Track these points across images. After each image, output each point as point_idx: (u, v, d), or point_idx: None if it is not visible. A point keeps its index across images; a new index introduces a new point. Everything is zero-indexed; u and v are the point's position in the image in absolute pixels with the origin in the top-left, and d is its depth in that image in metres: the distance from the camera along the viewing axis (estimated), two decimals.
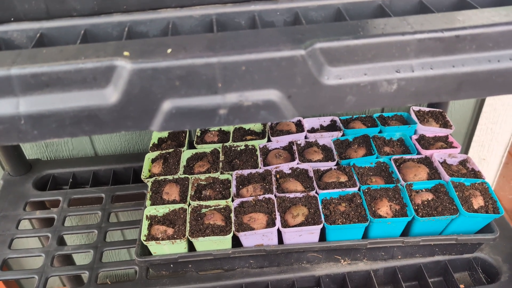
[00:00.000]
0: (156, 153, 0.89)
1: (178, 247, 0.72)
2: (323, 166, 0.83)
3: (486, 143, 1.24)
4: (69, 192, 0.97)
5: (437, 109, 0.96)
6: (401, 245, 0.74)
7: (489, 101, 1.13)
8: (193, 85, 0.34)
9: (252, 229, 0.71)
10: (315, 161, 0.84)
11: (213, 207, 0.76)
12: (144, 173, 0.85)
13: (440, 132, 0.90)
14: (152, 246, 0.72)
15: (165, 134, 0.96)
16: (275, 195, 0.77)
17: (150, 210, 0.76)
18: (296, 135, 0.90)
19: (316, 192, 0.77)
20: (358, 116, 0.96)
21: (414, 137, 0.89)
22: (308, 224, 0.72)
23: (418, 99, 0.37)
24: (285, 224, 0.73)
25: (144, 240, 0.71)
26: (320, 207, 0.74)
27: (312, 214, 0.73)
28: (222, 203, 0.76)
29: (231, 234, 0.70)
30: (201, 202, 0.76)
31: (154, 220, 0.76)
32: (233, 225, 0.72)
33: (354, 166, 0.82)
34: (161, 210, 0.76)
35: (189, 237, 0.70)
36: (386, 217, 0.72)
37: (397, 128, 0.91)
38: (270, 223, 0.72)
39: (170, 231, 0.72)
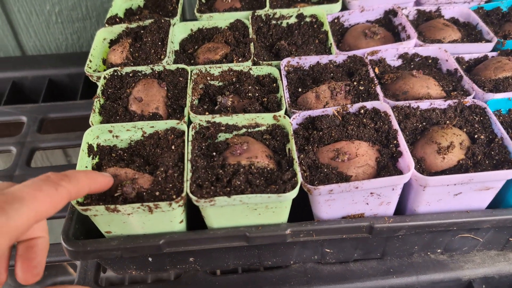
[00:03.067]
0: (119, 27, 0.46)
1: (161, 218, 0.31)
2: (468, 51, 0.42)
3: None
4: None
5: None
6: None
7: None
8: None
9: (340, 177, 0.31)
10: (450, 42, 0.43)
11: (242, 132, 0.35)
12: (93, 62, 0.43)
13: None
14: (101, 216, 0.31)
15: None
16: (386, 102, 0.36)
17: (100, 132, 0.35)
18: None
19: (476, 97, 0.36)
20: None
21: None
22: (479, 166, 0.31)
23: None
24: (421, 168, 0.32)
25: (80, 203, 0.30)
26: (498, 123, 0.33)
27: (480, 144, 0.33)
28: (267, 119, 0.35)
29: (297, 187, 0.30)
30: (216, 118, 0.35)
31: (107, 156, 0.35)
32: (299, 173, 0.31)
33: None
34: (124, 134, 0.35)
35: (189, 193, 0.30)
36: None
37: None
38: (385, 165, 0.32)
39: (145, 179, 0.32)
